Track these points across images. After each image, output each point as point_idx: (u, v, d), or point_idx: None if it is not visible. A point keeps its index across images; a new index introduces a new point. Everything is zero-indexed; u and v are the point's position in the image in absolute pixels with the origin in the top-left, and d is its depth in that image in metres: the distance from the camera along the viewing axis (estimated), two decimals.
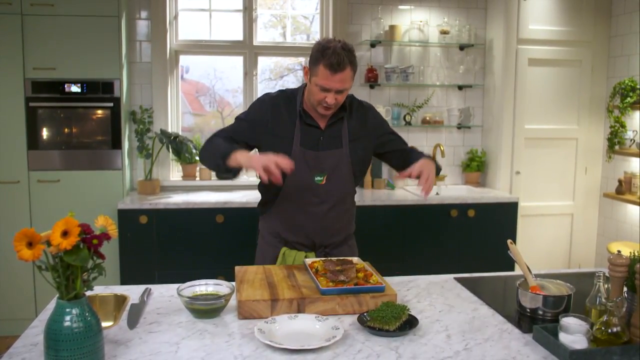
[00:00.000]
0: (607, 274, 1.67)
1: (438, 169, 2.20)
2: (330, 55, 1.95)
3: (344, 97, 2.07)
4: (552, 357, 1.44)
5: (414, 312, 1.70)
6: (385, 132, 2.29)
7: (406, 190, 4.20)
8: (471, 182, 4.48)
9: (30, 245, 1.23)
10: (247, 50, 4.26)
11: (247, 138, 2.15)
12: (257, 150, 2.18)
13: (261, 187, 2.28)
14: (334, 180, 2.14)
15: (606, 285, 1.65)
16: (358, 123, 2.20)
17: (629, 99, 4.01)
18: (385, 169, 4.38)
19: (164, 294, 1.89)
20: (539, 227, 4.39)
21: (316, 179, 2.12)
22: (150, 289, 1.91)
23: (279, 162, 1.84)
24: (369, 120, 2.24)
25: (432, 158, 2.23)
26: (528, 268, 1.83)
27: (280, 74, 4.50)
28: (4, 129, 3.62)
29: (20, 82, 3.60)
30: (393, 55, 4.36)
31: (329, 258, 2.00)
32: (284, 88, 2.27)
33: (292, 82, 4.49)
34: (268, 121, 2.13)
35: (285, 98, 2.18)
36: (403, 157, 2.27)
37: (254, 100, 2.24)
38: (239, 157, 1.93)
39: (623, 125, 4.16)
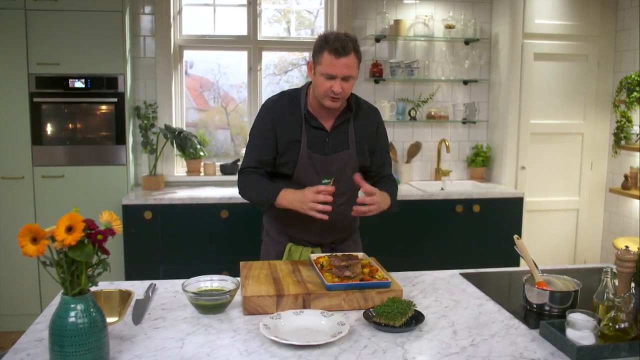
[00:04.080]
0: (614, 270, 1.66)
1: (392, 207, 2.16)
2: (333, 41, 1.95)
3: (351, 87, 2.03)
4: (559, 353, 1.43)
5: (419, 307, 1.69)
6: (381, 145, 2.25)
7: (411, 186, 4.18)
8: (476, 178, 4.47)
9: (34, 240, 1.23)
10: (252, 45, 4.25)
11: (272, 151, 2.12)
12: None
13: None
14: (341, 182, 2.12)
15: (614, 281, 1.64)
16: (364, 124, 2.18)
17: (635, 93, 3.98)
18: None
19: (169, 289, 1.89)
20: (544, 222, 4.37)
21: (323, 182, 2.10)
22: (154, 285, 1.90)
23: (318, 197, 1.91)
24: (375, 126, 2.22)
25: (393, 199, 2.18)
26: (534, 263, 1.82)
27: (284, 69, 4.49)
28: (8, 124, 3.62)
29: (24, 78, 3.60)
30: (398, 50, 4.34)
31: (335, 253, 2.00)
32: (284, 89, 2.25)
33: (297, 77, 4.47)
34: (276, 126, 2.11)
35: (289, 100, 2.15)
36: (375, 180, 2.23)
37: (260, 107, 2.22)
38: (285, 202, 2.01)
39: (629, 120, 4.13)
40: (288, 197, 2.00)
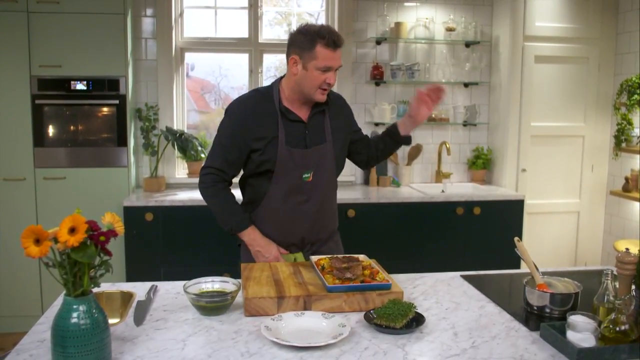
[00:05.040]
0: (615, 272, 1.66)
1: (409, 140, 2.26)
2: (326, 34, 1.97)
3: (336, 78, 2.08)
4: (560, 356, 1.43)
5: (420, 309, 1.70)
6: (354, 124, 2.32)
7: (412, 188, 4.19)
8: (477, 180, 4.47)
9: (37, 242, 1.23)
10: (253, 47, 4.26)
11: (238, 151, 2.10)
12: (254, 153, 2.11)
13: (245, 186, 2.23)
14: (319, 176, 2.12)
15: (614, 283, 1.64)
16: (336, 114, 2.20)
17: (636, 96, 3.99)
18: (391, 166, 4.37)
19: (170, 291, 1.89)
20: (545, 224, 4.37)
21: (304, 176, 2.11)
22: (156, 286, 1.91)
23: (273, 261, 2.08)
24: (344, 111, 2.25)
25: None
26: (535, 266, 1.82)
27: (285, 72, 4.49)
28: (10, 126, 3.63)
29: (26, 80, 3.61)
30: (399, 52, 4.35)
31: (335, 255, 2.00)
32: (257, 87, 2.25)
33: None
34: (249, 125, 2.07)
35: (262, 97, 2.13)
36: (366, 143, 2.33)
37: (227, 109, 2.17)
38: (247, 239, 2.14)
39: (630, 123, 4.14)
40: (252, 235, 2.12)
